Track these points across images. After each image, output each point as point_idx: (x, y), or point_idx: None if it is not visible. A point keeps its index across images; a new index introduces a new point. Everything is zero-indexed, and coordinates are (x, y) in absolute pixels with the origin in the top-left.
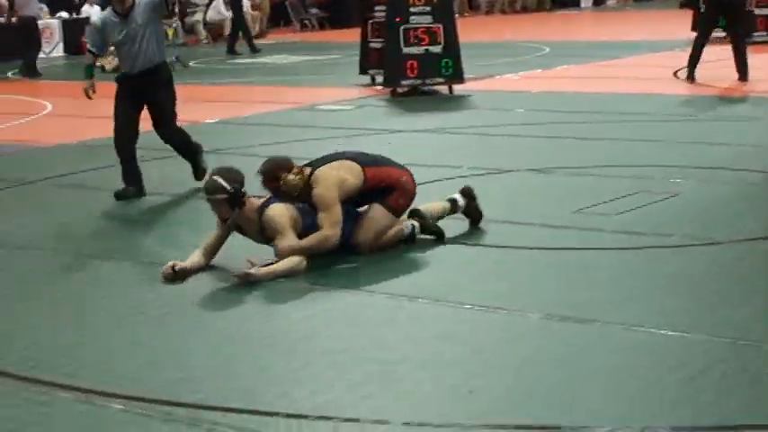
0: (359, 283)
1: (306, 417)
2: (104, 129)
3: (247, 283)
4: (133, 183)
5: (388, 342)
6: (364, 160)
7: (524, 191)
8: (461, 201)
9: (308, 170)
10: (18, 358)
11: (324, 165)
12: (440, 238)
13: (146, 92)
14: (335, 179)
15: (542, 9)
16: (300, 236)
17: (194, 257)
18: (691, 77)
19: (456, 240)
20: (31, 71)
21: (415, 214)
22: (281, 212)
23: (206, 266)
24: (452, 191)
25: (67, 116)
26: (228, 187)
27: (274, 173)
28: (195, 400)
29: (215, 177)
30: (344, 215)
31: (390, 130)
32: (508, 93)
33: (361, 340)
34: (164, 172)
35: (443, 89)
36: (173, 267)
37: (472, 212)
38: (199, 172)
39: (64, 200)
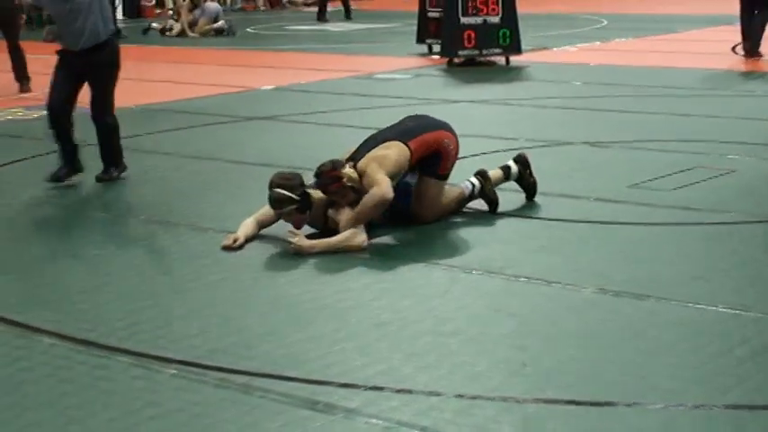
0: (413, 255)
1: (358, 387)
2: (163, 93)
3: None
4: (67, 162)
5: (442, 314)
6: (403, 135)
7: (580, 164)
8: (515, 168)
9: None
10: (75, 321)
11: (365, 155)
12: (493, 206)
13: (87, 72)
14: (380, 162)
15: None
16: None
17: (247, 228)
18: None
19: (511, 213)
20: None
21: (479, 174)
22: (348, 211)
23: (254, 236)
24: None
25: (126, 79)
26: (295, 196)
27: (334, 171)
28: (248, 366)
29: (277, 190)
30: (399, 189)
31: (447, 100)
32: (565, 65)
33: (414, 312)
34: (225, 137)
35: (500, 60)
36: (234, 240)
37: (526, 180)
38: (75, 168)
39: None
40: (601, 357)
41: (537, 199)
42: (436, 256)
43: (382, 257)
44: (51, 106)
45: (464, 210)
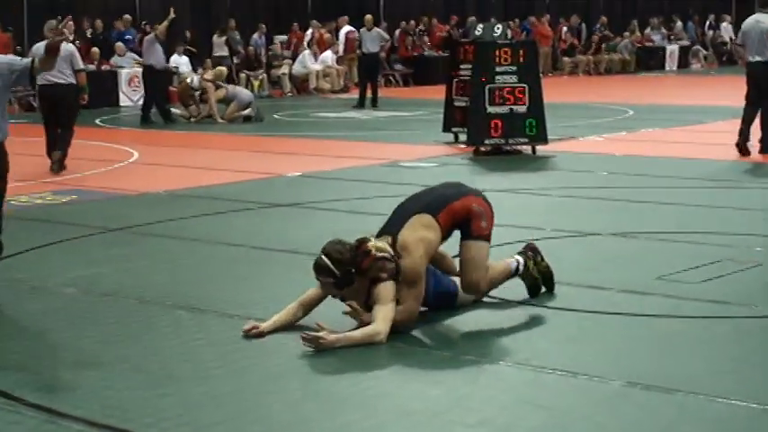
0: (440, 345)
1: None
2: (190, 178)
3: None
4: None
5: (470, 404)
6: (431, 207)
7: (607, 255)
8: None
9: (387, 237)
10: (102, 407)
11: (401, 228)
12: (533, 289)
13: None
14: (423, 248)
15: (626, 71)
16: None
17: (282, 315)
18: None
19: (538, 304)
20: (165, 115)
21: (528, 248)
22: (390, 286)
23: (296, 321)
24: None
25: (153, 165)
26: (337, 272)
27: (360, 249)
28: None
29: (323, 258)
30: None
31: None
32: (592, 155)
33: (442, 401)
34: (250, 223)
35: (527, 149)
36: (252, 328)
37: (539, 270)
38: None
39: (147, 249)
40: None
41: (563, 289)
42: (463, 346)
43: (410, 346)
44: None
45: (492, 299)
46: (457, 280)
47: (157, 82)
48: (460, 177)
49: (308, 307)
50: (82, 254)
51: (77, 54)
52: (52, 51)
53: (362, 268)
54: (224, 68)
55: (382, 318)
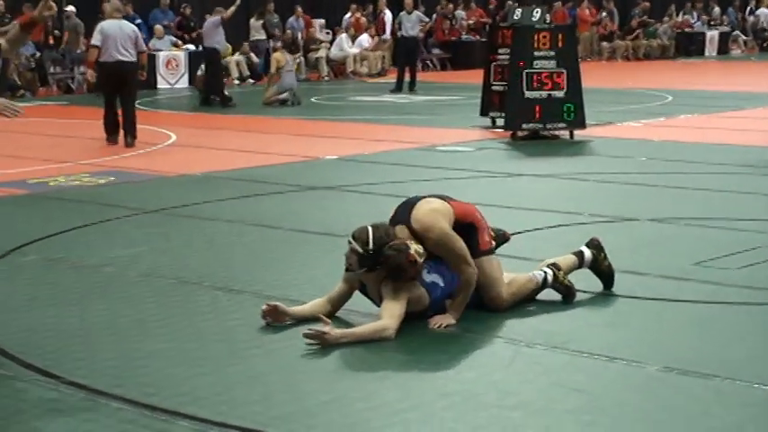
0: (476, 328)
1: None
2: (227, 160)
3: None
4: None
5: (506, 387)
6: (438, 196)
7: (644, 240)
8: (588, 254)
9: (398, 227)
10: (139, 385)
11: (410, 214)
12: (570, 298)
13: None
14: (439, 216)
15: (665, 57)
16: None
17: (308, 307)
18: None
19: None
20: (225, 100)
21: (552, 265)
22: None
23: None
24: (573, 238)
25: (191, 147)
26: (368, 247)
27: (409, 257)
28: None
29: (368, 228)
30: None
31: (510, 174)
32: (630, 140)
33: (478, 384)
34: (287, 206)
35: (564, 134)
36: (275, 307)
37: (601, 266)
38: None
39: (184, 230)
40: None
41: None
42: (499, 329)
43: (446, 329)
44: None
45: None
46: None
47: (219, 65)
48: (497, 162)
49: (337, 303)
50: (120, 234)
51: (140, 35)
52: (29, 27)
53: (401, 276)
54: (282, 55)
55: (390, 314)
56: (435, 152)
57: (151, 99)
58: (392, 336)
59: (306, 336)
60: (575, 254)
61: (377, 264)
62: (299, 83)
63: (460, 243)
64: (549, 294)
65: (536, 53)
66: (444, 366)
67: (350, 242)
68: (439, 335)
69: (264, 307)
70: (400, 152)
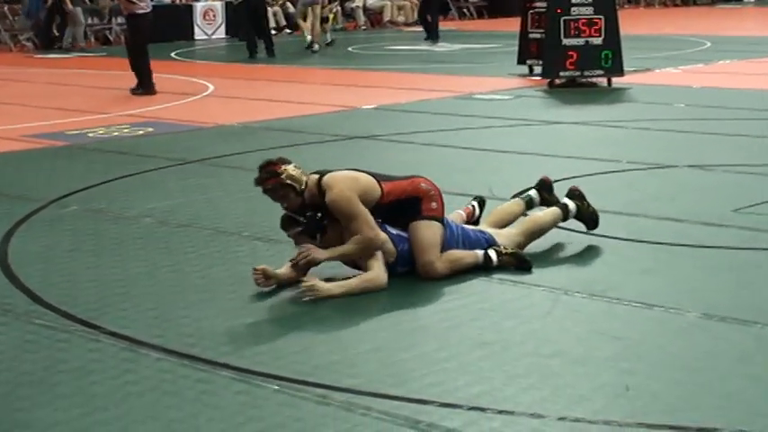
0: (514, 276)
1: (460, 406)
2: (264, 111)
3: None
4: None
5: (544, 336)
6: (375, 175)
7: (684, 187)
8: (572, 205)
9: (314, 176)
10: (179, 335)
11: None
12: (592, 223)
13: None
14: (349, 182)
15: (703, 2)
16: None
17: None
18: None
19: (613, 235)
20: (270, 50)
21: (571, 194)
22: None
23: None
24: (612, 184)
25: (228, 97)
26: (301, 219)
27: (271, 167)
28: (349, 384)
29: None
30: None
31: (547, 122)
32: (668, 87)
33: (516, 333)
34: (325, 156)
35: (602, 81)
36: (263, 272)
37: (585, 215)
38: None
39: (223, 180)
40: (705, 382)
41: (639, 221)
42: (537, 277)
43: (484, 278)
44: None
45: (565, 229)
46: (490, 231)
47: (263, 16)
48: (535, 110)
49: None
50: (159, 185)
51: None
52: None
53: (264, 188)
54: None
55: (376, 263)
56: (473, 101)
57: (188, 50)
58: (384, 283)
59: (302, 293)
60: (559, 206)
61: (322, 224)
62: (335, 31)
63: (359, 207)
64: (586, 241)
65: (573, 0)
66: (482, 316)
67: (283, 229)
68: (476, 283)
69: (254, 274)
70: (438, 101)
